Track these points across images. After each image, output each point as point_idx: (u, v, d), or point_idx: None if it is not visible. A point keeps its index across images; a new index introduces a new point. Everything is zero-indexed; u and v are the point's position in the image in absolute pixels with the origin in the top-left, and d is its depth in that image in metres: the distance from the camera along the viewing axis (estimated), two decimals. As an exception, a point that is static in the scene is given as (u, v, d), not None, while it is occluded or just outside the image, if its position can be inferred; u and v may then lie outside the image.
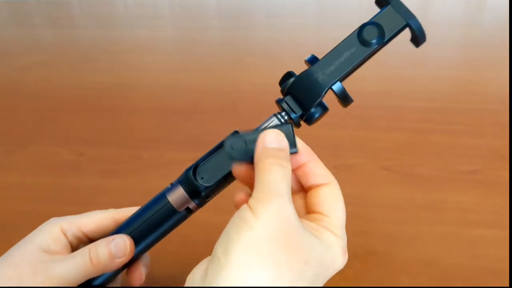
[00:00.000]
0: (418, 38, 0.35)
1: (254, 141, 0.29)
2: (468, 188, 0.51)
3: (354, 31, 0.35)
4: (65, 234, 0.35)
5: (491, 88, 0.76)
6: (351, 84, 0.87)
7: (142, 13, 1.45)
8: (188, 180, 0.35)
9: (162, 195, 0.36)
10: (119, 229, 0.35)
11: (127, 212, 0.36)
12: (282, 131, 0.29)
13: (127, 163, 0.59)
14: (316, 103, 0.35)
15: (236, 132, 0.30)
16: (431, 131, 0.63)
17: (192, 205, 0.36)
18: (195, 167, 0.35)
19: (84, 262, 0.32)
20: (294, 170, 0.30)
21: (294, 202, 0.28)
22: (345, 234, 0.29)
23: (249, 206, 0.25)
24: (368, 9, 1.34)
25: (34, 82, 0.89)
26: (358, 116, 0.66)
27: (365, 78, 0.82)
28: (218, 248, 0.25)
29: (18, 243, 0.34)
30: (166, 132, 0.67)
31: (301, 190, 0.31)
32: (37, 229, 0.35)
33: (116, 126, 0.70)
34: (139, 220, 0.35)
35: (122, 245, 0.33)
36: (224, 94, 0.79)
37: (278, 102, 0.37)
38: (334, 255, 0.27)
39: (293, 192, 0.31)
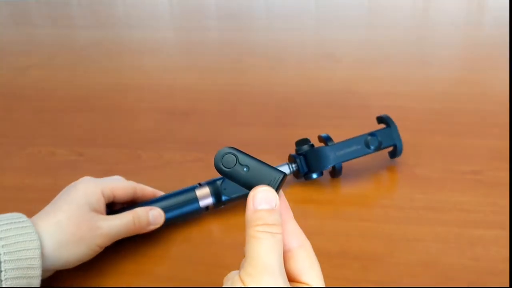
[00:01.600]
0: (396, 154, 0.53)
1: (245, 165, 0.31)
2: (468, 189, 0.51)
3: (363, 134, 0.51)
4: (103, 196, 0.42)
5: (491, 88, 0.76)
6: (352, 85, 0.88)
7: (141, 13, 1.44)
8: (215, 186, 0.47)
9: (192, 189, 0.47)
10: (152, 202, 0.45)
11: (145, 187, 0.46)
12: (271, 177, 0.30)
13: (126, 163, 0.59)
14: (321, 168, 0.50)
15: (232, 148, 0.31)
16: (431, 131, 0.63)
17: (211, 204, 0.47)
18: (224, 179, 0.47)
19: (128, 224, 0.41)
20: None
21: None
22: None
23: (241, 280, 0.26)
24: (367, 10, 1.34)
25: (33, 82, 0.89)
26: (358, 116, 0.66)
27: (366, 79, 0.82)
28: None
29: (67, 198, 0.40)
30: (165, 132, 0.67)
31: None
32: (81, 188, 0.41)
33: (115, 126, 0.69)
34: (168, 201, 0.46)
35: (158, 216, 0.44)
36: (224, 94, 0.79)
37: (293, 156, 0.52)
38: None
39: None
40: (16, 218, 0.37)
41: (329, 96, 0.76)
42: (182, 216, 0.47)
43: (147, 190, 0.46)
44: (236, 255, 0.43)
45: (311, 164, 0.51)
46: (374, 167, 0.56)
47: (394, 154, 0.53)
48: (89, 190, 0.41)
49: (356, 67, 0.88)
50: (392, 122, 0.53)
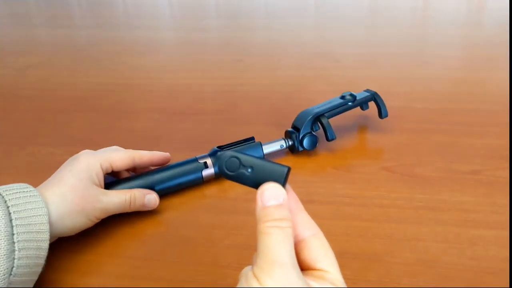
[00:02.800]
0: (380, 110, 0.58)
1: (248, 166, 0.31)
2: (468, 188, 0.51)
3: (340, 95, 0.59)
4: (102, 169, 0.45)
5: (491, 88, 0.76)
6: (353, 85, 0.88)
7: (141, 13, 1.45)
8: (216, 157, 0.52)
9: (195, 159, 0.52)
10: (159, 171, 0.50)
11: (143, 153, 0.49)
12: (276, 173, 0.30)
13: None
14: (305, 123, 0.55)
15: (233, 151, 0.32)
16: (431, 131, 0.63)
17: (212, 173, 0.52)
18: (221, 148, 0.53)
19: (125, 203, 0.45)
20: None
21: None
22: (345, 283, 0.29)
23: (254, 275, 0.26)
24: (367, 10, 1.34)
25: (33, 83, 0.89)
26: (358, 116, 0.66)
27: (366, 78, 0.82)
28: None
29: (71, 170, 0.43)
30: (165, 132, 0.67)
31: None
32: (83, 161, 0.44)
33: (115, 126, 0.69)
34: (173, 170, 0.51)
35: (153, 201, 0.48)
36: (224, 94, 0.79)
37: (289, 132, 0.57)
38: None
39: None
40: (23, 187, 0.39)
41: (329, 95, 0.75)
42: (186, 183, 0.51)
43: (145, 157, 0.49)
44: (236, 255, 0.43)
45: (298, 125, 0.56)
46: (374, 167, 0.56)
47: (379, 111, 0.58)
48: (91, 163, 0.44)
49: (355, 66, 0.88)
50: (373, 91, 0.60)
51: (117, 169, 0.47)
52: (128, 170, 0.51)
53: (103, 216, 0.44)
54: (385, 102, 0.59)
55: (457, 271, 0.40)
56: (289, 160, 0.57)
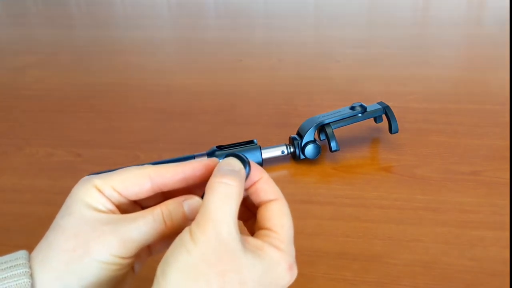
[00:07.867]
0: (390, 125, 0.57)
1: None
2: (468, 189, 0.51)
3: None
4: (100, 191, 0.29)
5: (491, 88, 0.76)
6: (352, 84, 0.87)
7: (140, 13, 1.44)
8: (213, 156, 0.52)
9: (192, 157, 0.52)
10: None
11: (163, 169, 0.30)
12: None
13: (125, 163, 0.59)
14: (308, 131, 0.54)
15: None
16: (431, 131, 0.62)
17: None
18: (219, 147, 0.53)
19: (158, 224, 0.28)
20: (246, 189, 0.30)
21: (250, 224, 0.31)
22: (293, 249, 0.29)
23: (189, 229, 0.26)
24: (367, 10, 1.34)
25: (31, 83, 0.88)
26: (366, 127, 0.66)
27: (366, 78, 0.82)
28: (158, 269, 0.26)
29: (60, 212, 0.29)
30: (164, 132, 0.67)
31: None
32: (72, 192, 0.30)
33: (113, 126, 0.69)
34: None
35: (196, 205, 0.30)
36: (223, 94, 0.79)
37: (293, 138, 0.56)
38: (278, 272, 0.27)
39: (249, 215, 0.32)
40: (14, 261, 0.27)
41: (329, 95, 0.75)
42: None
43: (169, 171, 0.30)
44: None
45: (301, 132, 0.55)
46: (374, 167, 0.55)
47: (388, 122, 0.57)
48: (77, 189, 0.29)
49: (355, 66, 0.88)
50: (385, 105, 0.58)
51: (129, 194, 0.30)
52: (151, 197, 0.31)
53: (129, 252, 0.28)
54: (385, 102, 0.59)
55: (457, 272, 0.40)
56: (290, 167, 0.57)
